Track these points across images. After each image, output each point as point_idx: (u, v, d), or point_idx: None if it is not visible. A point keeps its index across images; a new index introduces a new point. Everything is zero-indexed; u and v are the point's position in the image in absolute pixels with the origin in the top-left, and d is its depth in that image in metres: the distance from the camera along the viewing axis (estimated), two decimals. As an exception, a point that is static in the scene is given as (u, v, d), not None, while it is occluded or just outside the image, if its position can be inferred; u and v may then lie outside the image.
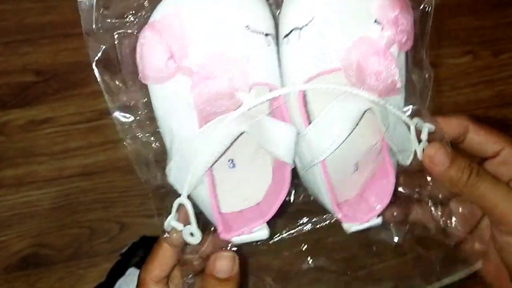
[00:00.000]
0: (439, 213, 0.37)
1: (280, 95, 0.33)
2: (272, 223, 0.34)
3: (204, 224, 0.34)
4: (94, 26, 0.32)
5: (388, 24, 0.32)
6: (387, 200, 0.35)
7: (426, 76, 0.36)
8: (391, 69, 0.32)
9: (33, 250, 0.59)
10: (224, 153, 0.32)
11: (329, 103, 0.32)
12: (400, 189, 0.38)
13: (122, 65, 0.33)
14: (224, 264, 0.33)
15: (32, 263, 0.59)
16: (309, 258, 0.41)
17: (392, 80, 0.32)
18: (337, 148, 0.32)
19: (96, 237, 0.60)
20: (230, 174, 0.36)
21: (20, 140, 0.62)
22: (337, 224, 0.36)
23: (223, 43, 0.32)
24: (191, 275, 0.35)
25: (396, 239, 0.38)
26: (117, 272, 0.56)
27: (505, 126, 0.71)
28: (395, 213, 0.38)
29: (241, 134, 0.32)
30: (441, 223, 0.37)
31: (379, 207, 0.35)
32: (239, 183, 0.36)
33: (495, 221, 0.35)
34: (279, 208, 0.34)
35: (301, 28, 0.32)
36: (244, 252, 0.35)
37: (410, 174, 0.37)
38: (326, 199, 0.34)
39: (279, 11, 0.34)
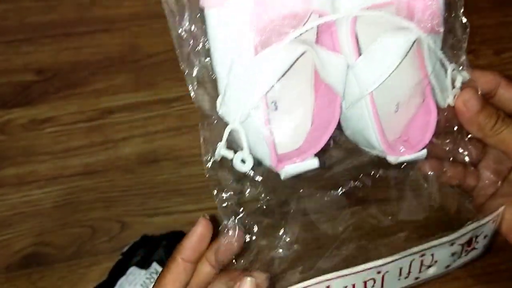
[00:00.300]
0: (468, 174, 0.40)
1: (333, 23, 0.33)
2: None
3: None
4: None
5: None
6: (430, 134, 0.36)
7: (461, 28, 0.38)
8: (437, 7, 0.34)
9: (35, 249, 0.59)
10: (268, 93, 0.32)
11: (378, 36, 0.33)
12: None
13: None
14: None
15: (34, 262, 0.59)
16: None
17: (437, 19, 0.34)
18: (385, 80, 0.33)
19: (98, 236, 0.60)
20: (274, 115, 0.36)
21: (21, 139, 0.62)
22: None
23: None
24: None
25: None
26: (118, 271, 0.56)
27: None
28: (429, 167, 0.40)
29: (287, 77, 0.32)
30: (470, 183, 0.41)
31: (424, 140, 0.36)
32: (281, 126, 0.36)
33: None
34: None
35: None
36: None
37: (442, 136, 0.39)
38: (372, 132, 0.35)
39: None
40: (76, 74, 0.65)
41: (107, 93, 0.65)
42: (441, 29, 0.35)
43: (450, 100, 0.37)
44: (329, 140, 0.35)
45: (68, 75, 0.65)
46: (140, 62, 0.67)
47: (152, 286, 0.36)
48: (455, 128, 0.39)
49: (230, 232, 0.35)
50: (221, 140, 0.33)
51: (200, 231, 0.36)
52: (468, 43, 0.38)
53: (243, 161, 0.33)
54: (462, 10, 0.37)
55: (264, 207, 0.36)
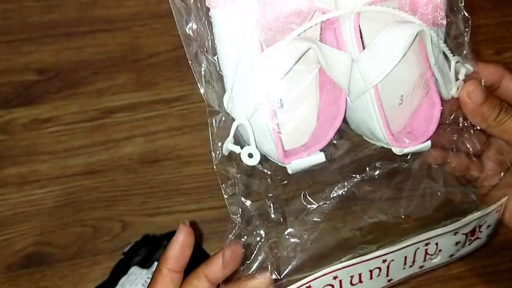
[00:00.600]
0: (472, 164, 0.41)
1: (336, 19, 0.34)
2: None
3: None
4: None
5: None
6: (434, 126, 0.37)
7: (463, 21, 0.38)
8: (439, 0, 0.34)
9: (36, 248, 0.59)
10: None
11: (380, 31, 0.34)
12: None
13: None
14: None
15: (36, 261, 0.59)
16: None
17: (440, 12, 0.34)
18: (389, 73, 0.34)
19: (99, 236, 0.60)
20: (280, 111, 0.36)
21: (22, 139, 0.62)
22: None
23: None
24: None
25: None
26: (120, 271, 0.56)
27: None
28: (434, 156, 0.40)
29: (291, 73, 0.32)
30: (474, 174, 0.41)
31: (428, 132, 0.37)
32: (287, 123, 0.36)
33: None
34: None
35: None
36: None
37: (446, 127, 0.39)
38: (377, 124, 0.35)
39: None
40: (77, 74, 0.65)
41: (108, 92, 0.65)
42: (444, 22, 0.35)
43: (453, 92, 0.38)
44: (334, 134, 0.36)
45: (70, 74, 0.65)
46: (142, 62, 0.67)
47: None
48: (459, 119, 0.40)
49: (229, 251, 0.35)
50: (228, 136, 0.33)
51: (182, 239, 0.35)
52: (470, 41, 0.39)
53: (250, 155, 0.33)
54: (463, 3, 0.38)
55: (270, 203, 0.37)
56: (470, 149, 0.41)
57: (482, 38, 0.72)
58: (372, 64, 0.34)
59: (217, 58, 0.34)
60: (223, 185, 0.35)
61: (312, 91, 0.37)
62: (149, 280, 0.54)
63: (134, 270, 0.55)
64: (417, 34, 0.34)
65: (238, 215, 0.35)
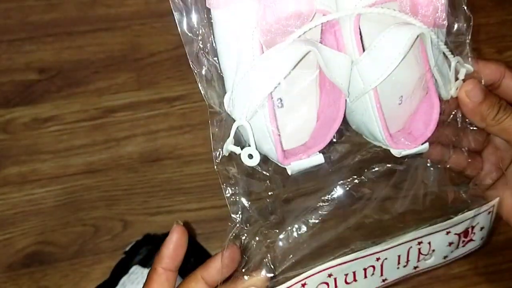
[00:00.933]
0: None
1: (336, 21, 0.34)
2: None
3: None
4: None
5: None
6: (433, 127, 0.37)
7: (465, 20, 0.38)
8: (440, 1, 0.34)
9: (37, 247, 0.60)
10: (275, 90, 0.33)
11: (381, 33, 0.34)
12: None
13: None
14: None
15: (37, 260, 0.59)
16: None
17: (441, 13, 0.34)
18: (389, 74, 0.34)
19: (100, 235, 0.61)
20: (280, 112, 0.36)
21: (24, 138, 0.63)
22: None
23: None
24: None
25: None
26: (121, 270, 0.56)
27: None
28: (434, 153, 0.40)
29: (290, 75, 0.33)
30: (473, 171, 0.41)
31: (426, 133, 0.37)
32: (287, 123, 0.37)
33: None
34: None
35: None
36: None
37: (446, 125, 0.39)
38: (376, 126, 0.35)
39: None
40: (78, 73, 0.65)
41: (109, 91, 0.65)
42: (445, 23, 0.35)
43: (453, 92, 0.38)
44: (334, 135, 0.36)
45: (70, 74, 0.65)
46: (142, 61, 0.67)
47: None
48: (459, 118, 0.40)
49: (227, 253, 0.35)
50: (229, 136, 0.34)
51: (175, 238, 0.36)
52: (472, 41, 0.39)
53: (250, 156, 0.33)
54: (465, 2, 0.38)
55: (270, 202, 0.37)
56: (471, 146, 0.41)
57: (483, 37, 0.72)
58: (372, 66, 0.34)
59: (218, 59, 0.34)
60: (224, 184, 0.35)
61: (312, 92, 0.37)
62: (150, 280, 0.54)
63: (135, 270, 0.55)
64: (417, 36, 0.34)
65: (238, 215, 0.36)
